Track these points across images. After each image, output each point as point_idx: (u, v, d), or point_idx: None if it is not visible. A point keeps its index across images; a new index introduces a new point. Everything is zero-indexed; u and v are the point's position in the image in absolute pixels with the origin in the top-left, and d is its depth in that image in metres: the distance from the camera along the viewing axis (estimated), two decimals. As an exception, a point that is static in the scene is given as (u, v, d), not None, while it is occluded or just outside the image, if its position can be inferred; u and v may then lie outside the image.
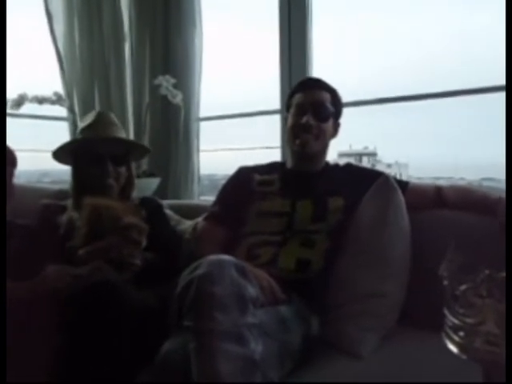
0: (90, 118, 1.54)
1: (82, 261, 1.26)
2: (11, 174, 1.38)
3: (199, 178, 2.51)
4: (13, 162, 1.44)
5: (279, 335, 1.13)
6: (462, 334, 0.62)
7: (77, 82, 2.39)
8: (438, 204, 1.44)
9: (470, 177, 2.59)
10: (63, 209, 1.49)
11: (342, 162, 1.69)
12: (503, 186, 2.50)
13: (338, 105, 1.56)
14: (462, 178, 2.66)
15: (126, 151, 1.56)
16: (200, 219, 1.66)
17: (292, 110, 1.55)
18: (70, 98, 2.34)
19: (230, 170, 1.70)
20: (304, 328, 1.24)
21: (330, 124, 1.53)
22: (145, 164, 2.38)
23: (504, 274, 0.63)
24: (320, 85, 1.54)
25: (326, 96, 1.52)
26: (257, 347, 0.99)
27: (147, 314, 1.16)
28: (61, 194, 1.68)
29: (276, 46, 2.30)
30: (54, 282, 1.16)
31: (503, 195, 1.35)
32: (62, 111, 2.36)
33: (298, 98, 1.54)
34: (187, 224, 1.77)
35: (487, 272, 0.61)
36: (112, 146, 1.51)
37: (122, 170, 1.53)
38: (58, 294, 1.11)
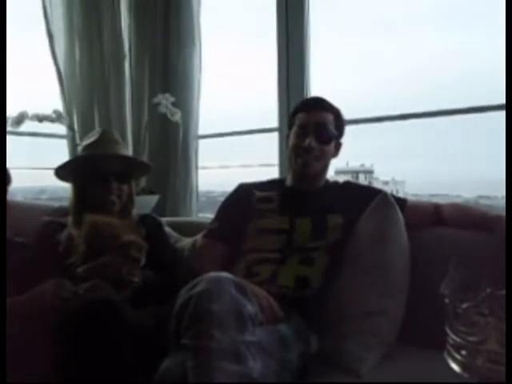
0: (94, 136, 1.55)
1: (81, 278, 1.25)
2: (5, 192, 1.35)
3: (198, 195, 2.51)
4: (7, 179, 1.44)
5: (278, 353, 1.12)
6: (464, 352, 0.62)
7: (77, 100, 2.41)
8: (436, 222, 1.45)
9: (467, 194, 2.60)
10: (63, 226, 1.49)
11: (339, 179, 1.69)
12: (499, 203, 2.52)
13: (340, 126, 1.56)
14: (458, 196, 2.67)
15: (129, 169, 1.57)
16: (199, 236, 1.66)
17: (294, 129, 1.55)
18: (69, 116, 2.35)
19: (228, 186, 1.70)
20: (303, 346, 1.23)
21: (331, 145, 1.54)
22: (143, 181, 2.38)
23: (505, 292, 0.63)
24: (324, 105, 1.54)
25: (329, 117, 1.53)
26: (255, 365, 0.98)
27: (145, 332, 1.15)
28: (60, 211, 1.68)
29: (274, 64, 2.33)
30: (52, 296, 1.16)
31: (501, 213, 1.36)
32: (61, 129, 2.37)
33: (301, 117, 1.54)
34: (186, 241, 1.77)
35: (489, 290, 0.62)
36: (116, 164, 1.52)
37: (125, 187, 1.54)
38: (55, 309, 1.10)
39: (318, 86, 2.31)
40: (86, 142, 1.56)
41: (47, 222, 1.52)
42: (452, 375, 0.65)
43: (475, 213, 1.40)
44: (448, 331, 0.65)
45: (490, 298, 0.61)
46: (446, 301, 0.66)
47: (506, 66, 1.05)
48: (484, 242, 1.29)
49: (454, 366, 0.63)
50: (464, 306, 0.63)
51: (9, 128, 1.95)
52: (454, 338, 0.63)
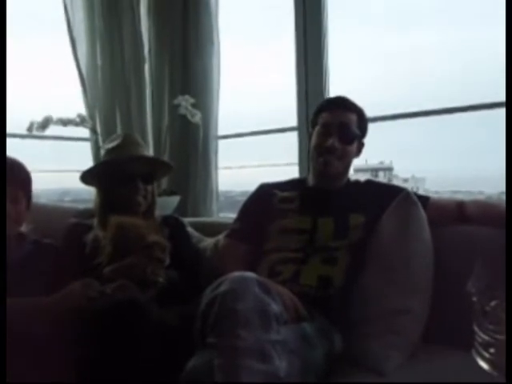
0: (117, 140, 1.58)
1: (107, 279, 1.28)
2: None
3: (218, 195, 2.53)
4: (25, 181, 1.46)
5: (303, 352, 1.13)
6: (492, 350, 0.61)
7: (99, 103, 2.45)
8: (459, 219, 1.43)
9: (489, 190, 2.56)
10: (89, 228, 1.53)
11: (358, 177, 1.69)
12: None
13: (363, 126, 1.56)
14: (480, 192, 2.63)
15: (153, 169, 1.60)
16: (221, 236, 1.68)
17: (317, 128, 1.55)
18: (92, 120, 2.39)
19: (247, 186, 1.71)
20: (327, 345, 1.23)
21: (354, 146, 1.54)
22: (165, 182, 2.41)
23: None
24: (347, 105, 1.54)
25: (353, 117, 1.52)
26: (281, 364, 0.99)
27: (170, 331, 1.16)
28: (86, 213, 1.72)
29: (292, 62, 2.33)
30: (80, 296, 1.19)
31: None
32: (84, 132, 2.42)
33: (324, 116, 1.54)
34: (208, 241, 1.78)
35: (516, 288, 0.61)
36: (141, 165, 1.56)
37: (150, 187, 1.57)
38: (81, 310, 1.13)
39: (336, 83, 2.30)
40: (109, 145, 1.59)
41: (74, 224, 1.56)
42: (480, 373, 0.64)
43: (497, 210, 1.38)
44: (476, 329, 0.64)
45: (517, 296, 0.61)
46: (474, 299, 0.66)
47: (506, 64, 1.04)
48: (503, 239, 1.27)
49: (483, 364, 0.63)
50: (492, 303, 0.63)
51: (34, 132, 2.00)
52: (483, 336, 0.63)
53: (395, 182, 3.11)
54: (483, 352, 0.62)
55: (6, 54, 1.37)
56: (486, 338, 0.62)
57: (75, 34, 2.40)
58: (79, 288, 1.21)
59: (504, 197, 2.45)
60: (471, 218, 1.42)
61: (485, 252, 1.21)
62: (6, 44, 1.37)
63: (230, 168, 2.74)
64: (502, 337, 0.61)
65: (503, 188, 2.52)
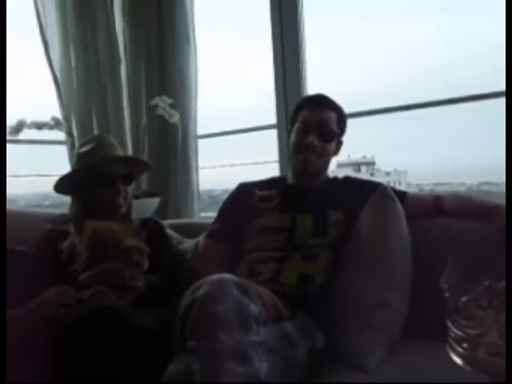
0: (90, 143, 1.55)
1: (84, 285, 1.25)
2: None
3: (199, 195, 2.51)
4: None
5: (284, 352, 1.13)
6: (465, 345, 0.62)
7: (74, 105, 2.41)
8: (436, 213, 1.44)
9: (469, 181, 2.60)
10: (65, 234, 1.49)
11: (341, 172, 1.69)
12: (502, 189, 2.51)
13: (342, 124, 1.57)
14: (461, 183, 2.67)
15: (131, 170, 1.58)
16: (201, 237, 1.67)
17: (297, 126, 1.55)
18: (67, 122, 2.35)
19: (229, 185, 1.70)
20: (309, 343, 1.23)
21: (333, 143, 1.55)
22: (144, 184, 2.39)
23: (504, 284, 0.63)
24: (327, 103, 1.54)
25: (332, 115, 1.53)
26: (261, 365, 0.98)
27: (150, 337, 1.15)
28: (62, 219, 1.68)
29: (270, 61, 2.32)
30: (55, 303, 1.16)
31: (502, 199, 1.35)
32: (60, 135, 2.37)
33: (303, 114, 1.54)
34: (189, 243, 1.77)
35: (487, 283, 0.61)
36: (119, 166, 1.53)
37: (129, 189, 1.55)
38: (58, 318, 1.10)
39: (315, 80, 2.30)
40: (83, 149, 1.55)
41: (49, 230, 1.53)
42: (455, 368, 0.64)
43: (474, 203, 1.40)
44: (449, 325, 0.64)
45: (488, 291, 0.61)
46: (446, 295, 0.66)
47: (506, 56, 1.04)
48: (484, 232, 1.28)
49: (456, 359, 0.63)
50: (464, 299, 0.63)
51: (8, 137, 1.96)
52: (455, 331, 0.63)
53: (377, 176, 3.13)
54: (456, 347, 0.62)
55: (6, 53, 1.33)
56: (459, 333, 0.62)
57: (48, 35, 2.35)
58: (54, 295, 1.18)
59: (484, 187, 2.49)
60: (448, 212, 1.43)
61: (462, 245, 1.22)
62: (5, 44, 1.34)
63: (211, 168, 2.73)
64: (475, 332, 0.61)
65: (483, 179, 2.56)
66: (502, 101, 1.89)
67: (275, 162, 2.36)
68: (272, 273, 1.37)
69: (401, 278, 1.33)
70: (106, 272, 1.27)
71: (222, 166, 2.79)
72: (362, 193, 1.47)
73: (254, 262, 1.42)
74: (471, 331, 0.61)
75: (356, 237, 1.41)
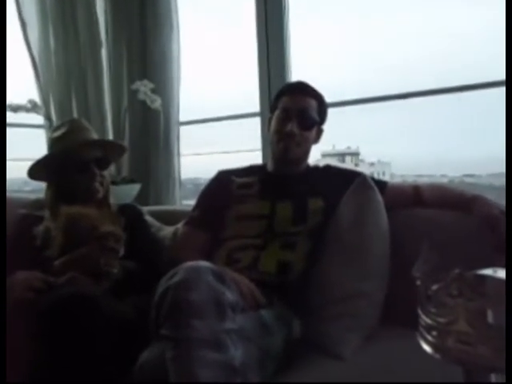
0: (63, 127, 1.52)
1: (58, 271, 1.23)
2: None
3: (180, 182, 2.49)
4: None
5: (260, 339, 1.13)
6: (434, 333, 0.61)
7: (53, 88, 2.35)
8: (415, 203, 1.45)
9: (452, 173, 2.61)
10: (40, 219, 1.47)
11: (326, 161, 1.69)
12: (484, 181, 2.53)
13: (322, 112, 1.56)
14: (443, 175, 2.68)
15: (107, 154, 1.55)
16: (180, 225, 1.65)
17: (277, 113, 1.53)
18: (46, 106, 2.30)
19: (213, 173, 1.69)
20: (286, 331, 1.23)
21: (313, 132, 1.54)
22: (125, 170, 2.36)
23: (475, 273, 0.63)
24: (308, 91, 1.53)
25: (313, 103, 1.51)
26: (236, 353, 0.98)
27: (124, 324, 1.14)
28: (38, 204, 1.65)
29: (254, 48, 2.29)
30: (23, 289, 1.13)
31: (484, 192, 1.36)
32: (38, 119, 2.32)
33: (284, 101, 1.53)
34: (168, 230, 1.75)
35: (457, 271, 0.61)
36: (93, 150, 1.50)
37: (106, 173, 1.53)
38: (27, 303, 1.08)
39: (298, 68, 2.28)
40: (56, 134, 1.52)
41: (23, 215, 1.50)
42: (428, 357, 0.64)
43: (453, 193, 1.40)
44: (420, 313, 0.64)
45: (458, 279, 0.60)
46: (418, 283, 0.65)
47: (506, 49, 1.04)
48: (460, 222, 1.29)
49: (426, 347, 0.62)
50: (434, 287, 0.63)
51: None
52: (426, 319, 0.63)
53: (361, 167, 3.14)
54: (426, 335, 0.62)
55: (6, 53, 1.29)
56: (429, 321, 0.62)
57: (25, 15, 2.29)
58: (22, 280, 1.15)
59: (468, 179, 2.52)
60: (427, 202, 1.44)
61: (434, 236, 1.22)
62: (5, 43, 1.29)
63: (194, 155, 2.70)
64: (444, 320, 0.61)
65: (466, 171, 2.57)
66: (488, 92, 1.91)
67: (258, 150, 2.35)
68: (250, 260, 1.36)
69: (378, 267, 1.34)
70: (81, 258, 1.25)
71: (205, 153, 2.76)
72: (342, 181, 1.47)
73: (232, 249, 1.41)
74: (441, 319, 0.61)
75: (335, 225, 1.41)
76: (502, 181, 2.44)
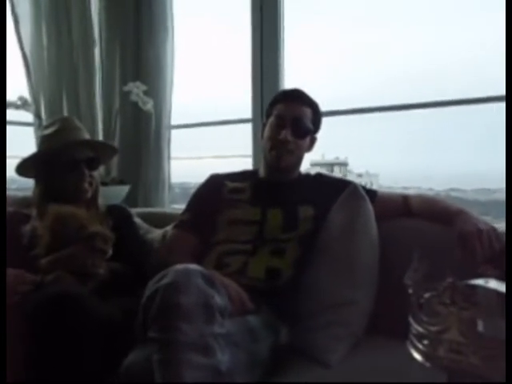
0: (55, 125, 1.50)
1: (45, 271, 1.21)
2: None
3: (170, 186, 2.47)
4: None
5: (247, 345, 1.12)
6: (426, 342, 0.62)
7: (44, 86, 2.32)
8: (405, 213, 1.46)
9: (438, 187, 2.65)
10: (27, 217, 1.45)
11: (314, 171, 1.69)
12: (469, 196, 2.57)
13: (317, 121, 1.56)
14: (430, 189, 2.72)
15: (97, 154, 1.54)
16: (169, 227, 1.64)
17: (271, 120, 1.53)
18: (36, 103, 2.27)
19: (202, 178, 1.68)
20: (273, 337, 1.23)
21: (307, 140, 1.54)
22: (114, 171, 2.34)
23: (467, 283, 0.63)
24: (303, 99, 1.53)
25: (307, 112, 1.52)
26: (223, 357, 0.97)
27: (110, 325, 1.12)
28: (25, 202, 1.62)
29: (248, 54, 2.30)
30: (9, 293, 1.11)
31: (469, 206, 1.37)
32: (27, 116, 2.29)
33: (279, 108, 1.53)
34: (156, 233, 1.74)
35: (450, 280, 0.62)
36: (84, 150, 1.49)
37: (95, 174, 1.51)
38: (13, 304, 1.06)
39: (292, 77, 2.30)
40: (47, 131, 1.51)
41: (10, 213, 1.47)
42: (416, 365, 0.65)
43: (439, 206, 1.42)
44: (411, 321, 0.65)
45: (451, 288, 0.61)
46: (410, 291, 0.66)
47: (506, 63, 1.06)
48: (448, 234, 1.30)
49: (417, 356, 0.63)
50: (427, 295, 0.63)
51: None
52: (417, 327, 0.63)
53: (350, 177, 3.16)
54: (417, 343, 0.63)
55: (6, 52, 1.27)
56: (421, 329, 0.62)
57: (19, 11, 2.26)
58: (8, 283, 1.13)
59: (453, 193, 2.55)
60: (416, 213, 1.45)
61: (425, 245, 1.23)
62: (5, 43, 1.28)
63: (184, 159, 2.69)
64: (436, 328, 0.61)
65: (451, 185, 2.61)
66: (478, 107, 1.94)
67: (249, 156, 2.35)
68: (240, 265, 1.36)
69: (367, 276, 1.34)
70: (68, 257, 1.23)
71: (195, 158, 2.75)
72: (333, 190, 1.48)
73: (222, 253, 1.40)
74: (432, 328, 0.61)
75: (325, 233, 1.42)
76: (488, 196, 2.49)
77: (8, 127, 2.42)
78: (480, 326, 0.58)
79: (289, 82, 2.28)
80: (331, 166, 3.36)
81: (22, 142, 2.47)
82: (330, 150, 2.99)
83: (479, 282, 0.63)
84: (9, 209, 1.52)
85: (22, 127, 2.43)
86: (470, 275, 0.67)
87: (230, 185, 1.56)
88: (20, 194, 1.87)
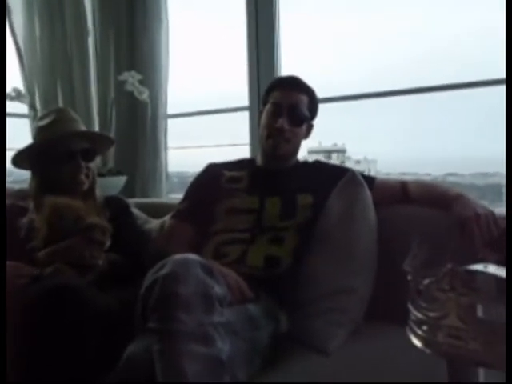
0: (50, 116, 1.49)
1: (42, 263, 1.21)
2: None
3: (167, 175, 2.47)
4: None
5: (247, 333, 1.12)
6: (425, 328, 0.62)
7: (38, 77, 2.30)
8: (403, 199, 1.45)
9: (435, 172, 2.64)
10: (24, 210, 1.44)
11: (312, 158, 1.68)
12: (466, 180, 2.57)
13: (313, 108, 1.55)
14: (427, 174, 2.71)
15: (93, 145, 1.52)
16: (167, 217, 1.64)
17: (268, 107, 1.52)
18: (30, 95, 2.25)
19: (200, 167, 1.67)
20: (273, 325, 1.23)
21: (303, 127, 1.53)
22: (111, 162, 2.32)
23: (466, 268, 0.63)
24: (299, 86, 1.52)
25: (304, 99, 1.51)
26: (223, 346, 0.97)
27: (109, 316, 1.12)
28: (22, 194, 1.61)
29: (244, 41, 2.28)
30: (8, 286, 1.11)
31: (467, 190, 1.37)
32: (21, 108, 2.27)
33: (275, 96, 1.51)
34: (154, 223, 1.74)
35: (449, 266, 0.62)
36: (80, 141, 1.48)
37: (92, 165, 1.51)
38: (12, 297, 1.06)
39: (288, 64, 2.28)
40: (42, 122, 1.49)
41: (8, 206, 1.46)
42: (415, 352, 0.65)
43: (437, 191, 1.41)
44: (410, 307, 0.65)
45: (450, 274, 0.61)
46: (409, 277, 0.66)
47: (506, 49, 1.05)
48: (446, 219, 1.30)
49: (416, 342, 0.63)
50: (425, 282, 0.63)
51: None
52: (416, 313, 0.63)
53: (347, 164, 3.15)
54: (416, 329, 0.62)
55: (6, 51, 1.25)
56: (419, 315, 0.62)
57: (11, 3, 2.23)
58: (7, 278, 1.12)
59: (450, 178, 2.55)
60: (414, 199, 1.44)
61: (424, 231, 1.23)
62: (5, 42, 1.25)
63: (181, 148, 2.68)
64: (435, 314, 0.61)
65: (448, 170, 2.60)
66: (473, 92, 1.93)
67: (246, 144, 2.34)
68: (238, 254, 1.36)
69: (366, 263, 1.34)
70: (66, 249, 1.23)
71: (192, 147, 2.74)
72: (331, 177, 1.47)
73: (220, 243, 1.40)
74: (431, 314, 0.61)
75: (323, 221, 1.41)
76: (484, 180, 2.48)
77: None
78: (479, 312, 0.58)
79: (285, 68, 2.26)
80: (329, 152, 3.35)
81: (17, 134, 2.46)
82: (328, 136, 2.97)
83: (478, 267, 0.62)
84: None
85: (17, 119, 2.41)
86: (469, 260, 0.67)
87: (228, 174, 1.55)
88: (16, 186, 1.86)
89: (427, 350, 0.61)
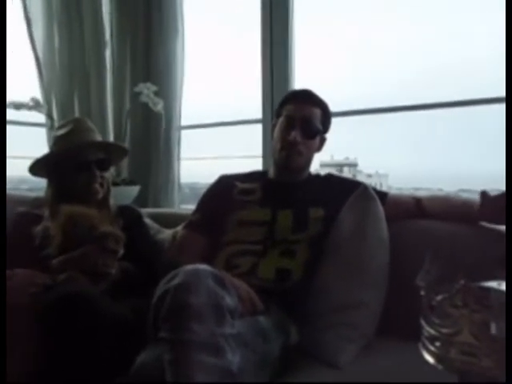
0: (68, 126, 1.52)
1: (56, 270, 1.22)
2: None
3: (180, 186, 2.49)
4: None
5: (258, 346, 1.12)
6: (438, 344, 0.62)
7: (56, 87, 2.35)
8: (417, 214, 1.45)
9: (448, 188, 2.63)
10: (39, 218, 1.46)
11: (324, 172, 1.69)
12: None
13: (326, 121, 1.56)
14: (439, 189, 2.70)
15: (108, 155, 1.55)
16: (180, 228, 1.65)
17: (281, 120, 1.53)
18: (48, 104, 2.30)
19: (212, 178, 1.68)
20: (283, 338, 1.22)
21: (316, 140, 1.54)
22: (125, 172, 2.35)
23: (480, 285, 0.63)
24: (313, 99, 1.53)
25: (317, 112, 1.52)
26: (234, 358, 0.97)
27: (121, 325, 1.13)
28: (36, 202, 1.64)
29: (258, 54, 2.31)
30: (20, 295, 1.12)
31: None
32: (39, 117, 2.32)
33: (288, 109, 1.53)
34: (167, 233, 1.75)
35: (462, 282, 0.61)
36: (95, 151, 1.50)
37: (106, 175, 1.53)
38: (25, 305, 1.07)
39: (302, 77, 2.29)
40: (59, 132, 1.52)
41: (22, 214, 1.49)
42: (428, 367, 0.64)
43: (456, 202, 1.41)
44: (423, 323, 0.64)
45: (463, 290, 0.61)
46: (422, 293, 0.66)
47: (506, 64, 1.05)
48: (463, 232, 1.29)
49: (429, 358, 0.63)
50: (438, 298, 0.63)
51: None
52: (429, 329, 0.63)
53: (359, 178, 3.15)
54: (429, 345, 0.62)
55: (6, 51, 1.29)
56: (432, 331, 0.62)
57: (31, 13, 2.29)
58: (20, 284, 1.13)
59: (463, 195, 2.53)
60: (429, 213, 1.44)
61: (437, 247, 1.23)
62: (5, 42, 1.29)
63: (193, 159, 2.70)
64: (448, 330, 0.61)
65: (461, 186, 2.59)
66: (487, 108, 1.93)
67: (259, 157, 2.35)
68: (249, 266, 1.36)
69: (378, 277, 1.33)
70: (80, 257, 1.24)
71: (204, 158, 2.76)
72: (344, 191, 1.47)
73: (232, 254, 1.41)
74: (444, 330, 0.61)
75: (335, 235, 1.41)
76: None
77: (21, 128, 2.46)
78: (493, 329, 0.58)
79: (299, 82, 2.28)
80: (341, 166, 3.35)
81: (35, 143, 2.51)
82: (340, 150, 2.98)
83: (492, 284, 0.62)
84: (20, 209, 1.54)
85: (35, 128, 2.46)
86: (483, 277, 0.67)
87: (240, 186, 1.56)
88: (32, 194, 1.89)
89: (440, 367, 0.61)
